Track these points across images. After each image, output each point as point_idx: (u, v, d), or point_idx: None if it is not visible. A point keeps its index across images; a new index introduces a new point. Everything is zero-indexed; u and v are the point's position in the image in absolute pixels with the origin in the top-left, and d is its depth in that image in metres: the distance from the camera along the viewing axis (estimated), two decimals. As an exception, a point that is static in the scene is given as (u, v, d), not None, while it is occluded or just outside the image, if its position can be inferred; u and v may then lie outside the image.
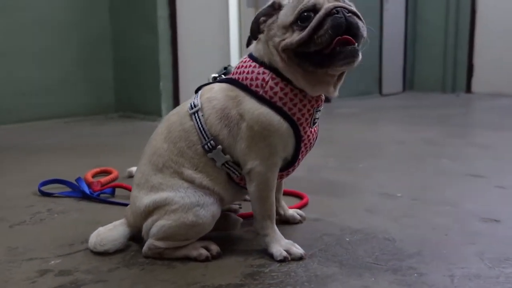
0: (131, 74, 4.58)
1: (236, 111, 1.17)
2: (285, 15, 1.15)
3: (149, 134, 1.34)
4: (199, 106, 1.21)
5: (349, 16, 1.09)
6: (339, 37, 1.08)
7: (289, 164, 1.24)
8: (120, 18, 4.64)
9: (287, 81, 1.17)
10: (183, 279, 1.09)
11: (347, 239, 1.33)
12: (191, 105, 1.22)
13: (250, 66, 1.20)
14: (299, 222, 1.47)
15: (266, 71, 1.18)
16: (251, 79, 1.18)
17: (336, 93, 1.23)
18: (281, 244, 1.21)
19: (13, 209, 1.66)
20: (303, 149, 1.23)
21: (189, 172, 1.19)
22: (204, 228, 1.18)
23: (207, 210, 1.17)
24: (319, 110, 1.25)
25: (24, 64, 4.21)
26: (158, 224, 1.17)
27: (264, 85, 1.17)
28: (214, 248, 1.21)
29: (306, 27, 1.10)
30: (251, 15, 5.71)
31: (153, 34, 4.31)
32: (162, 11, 4.29)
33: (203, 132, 1.18)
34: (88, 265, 1.18)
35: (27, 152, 2.78)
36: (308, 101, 1.19)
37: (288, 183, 1.98)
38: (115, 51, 4.74)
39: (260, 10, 1.20)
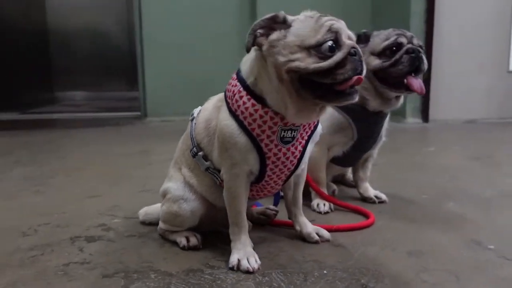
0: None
1: (216, 121, 1.25)
2: (302, 36, 1.08)
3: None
4: (195, 115, 1.34)
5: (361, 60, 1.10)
6: (354, 79, 1.07)
7: (259, 179, 1.23)
8: (380, 16, 4.66)
9: (253, 96, 1.16)
10: (147, 257, 1.28)
11: (325, 272, 1.18)
12: (191, 114, 1.37)
13: (233, 78, 1.24)
14: (316, 242, 1.37)
15: (238, 84, 1.19)
16: (228, 91, 1.22)
17: (316, 119, 1.20)
18: (239, 253, 1.22)
19: (157, 180, 2.17)
20: (271, 166, 1.19)
21: (184, 170, 1.36)
22: (184, 220, 1.33)
23: (188, 205, 1.32)
24: (293, 129, 1.17)
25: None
26: (161, 208, 1.40)
27: (232, 97, 1.19)
28: (193, 240, 1.33)
29: (327, 57, 1.07)
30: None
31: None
32: (417, 7, 4.10)
33: (192, 139, 1.32)
34: (123, 228, 1.52)
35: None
36: (270, 118, 1.14)
37: (397, 202, 1.76)
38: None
39: (257, 21, 1.13)
